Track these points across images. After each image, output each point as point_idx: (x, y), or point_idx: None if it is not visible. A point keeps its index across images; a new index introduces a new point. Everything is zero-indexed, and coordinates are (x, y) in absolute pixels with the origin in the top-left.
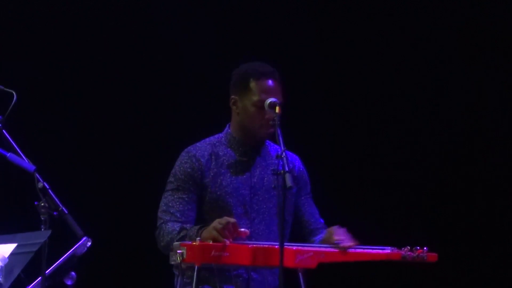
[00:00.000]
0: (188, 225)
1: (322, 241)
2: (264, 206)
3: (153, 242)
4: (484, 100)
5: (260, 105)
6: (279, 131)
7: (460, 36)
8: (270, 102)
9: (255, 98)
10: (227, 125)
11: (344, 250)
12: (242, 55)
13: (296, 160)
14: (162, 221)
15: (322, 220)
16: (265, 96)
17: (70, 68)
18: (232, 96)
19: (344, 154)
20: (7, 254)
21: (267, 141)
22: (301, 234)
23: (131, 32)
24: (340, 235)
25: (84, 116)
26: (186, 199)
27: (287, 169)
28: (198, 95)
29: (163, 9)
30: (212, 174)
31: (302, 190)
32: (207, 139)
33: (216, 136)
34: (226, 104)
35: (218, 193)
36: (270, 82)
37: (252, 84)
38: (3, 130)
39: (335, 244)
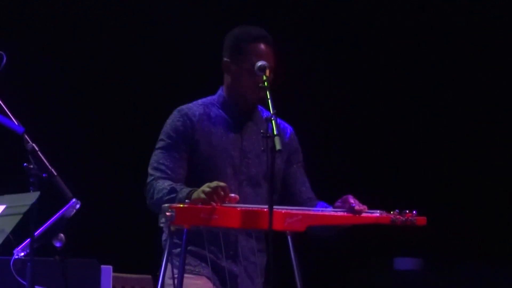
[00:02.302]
0: (178, 184)
1: (336, 207)
2: (253, 170)
3: (142, 202)
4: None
5: (252, 69)
6: (268, 95)
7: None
8: (260, 65)
9: (247, 61)
10: (220, 88)
11: (358, 213)
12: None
13: (288, 128)
14: (152, 177)
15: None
16: (257, 60)
17: (62, 29)
18: (225, 59)
19: (334, 119)
20: None
21: (260, 106)
22: (293, 203)
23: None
24: (354, 199)
25: (74, 77)
26: (177, 156)
27: (276, 132)
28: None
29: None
30: (202, 133)
31: (293, 158)
32: (199, 100)
33: (209, 97)
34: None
35: (208, 152)
36: (262, 46)
37: (245, 48)
38: None
39: (350, 208)
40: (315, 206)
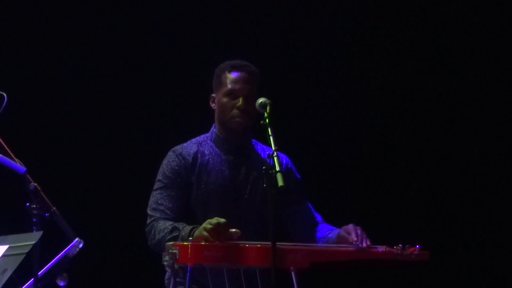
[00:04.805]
0: (179, 222)
1: (338, 240)
2: (251, 203)
3: (145, 242)
4: (477, 101)
5: (229, 95)
6: (270, 131)
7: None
8: (261, 101)
9: (224, 88)
10: (213, 125)
11: (362, 251)
12: (241, 56)
13: (284, 158)
14: (153, 218)
15: (318, 216)
16: (233, 85)
17: (64, 67)
18: (212, 95)
19: (334, 152)
20: None
21: (254, 140)
22: (296, 232)
23: (129, 31)
24: (356, 235)
25: (75, 116)
26: (175, 196)
27: (278, 168)
28: (196, 95)
29: (161, 9)
30: (198, 171)
31: (292, 188)
32: (193, 139)
33: (203, 136)
34: None
35: (205, 190)
36: (240, 73)
37: (223, 77)
38: None
39: (353, 245)
40: (315, 232)
